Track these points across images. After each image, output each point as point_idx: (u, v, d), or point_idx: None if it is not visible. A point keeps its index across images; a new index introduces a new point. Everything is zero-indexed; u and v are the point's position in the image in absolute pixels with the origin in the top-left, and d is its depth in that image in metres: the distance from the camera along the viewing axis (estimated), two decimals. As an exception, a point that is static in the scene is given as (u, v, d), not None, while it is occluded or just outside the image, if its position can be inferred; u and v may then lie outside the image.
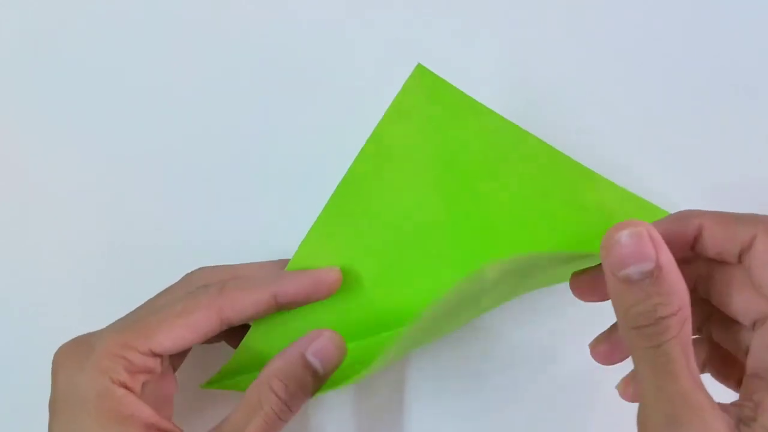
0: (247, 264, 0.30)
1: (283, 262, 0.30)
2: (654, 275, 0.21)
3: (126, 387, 0.25)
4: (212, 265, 0.30)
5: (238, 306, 0.27)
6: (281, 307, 0.28)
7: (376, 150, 0.29)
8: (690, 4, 0.36)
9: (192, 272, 0.30)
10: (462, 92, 0.29)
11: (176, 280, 0.29)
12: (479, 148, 0.30)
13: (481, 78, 0.36)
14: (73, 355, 0.25)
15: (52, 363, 0.26)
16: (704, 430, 0.20)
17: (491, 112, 0.30)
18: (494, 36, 0.36)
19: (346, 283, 0.29)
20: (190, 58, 0.36)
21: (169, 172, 0.35)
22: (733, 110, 0.36)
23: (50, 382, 0.26)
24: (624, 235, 0.22)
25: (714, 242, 0.24)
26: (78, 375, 0.25)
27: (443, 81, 0.29)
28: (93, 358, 0.25)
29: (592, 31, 0.37)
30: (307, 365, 0.26)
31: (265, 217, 0.35)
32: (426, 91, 0.29)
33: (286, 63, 0.36)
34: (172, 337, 0.26)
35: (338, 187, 0.29)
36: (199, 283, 0.28)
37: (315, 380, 0.27)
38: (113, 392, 0.25)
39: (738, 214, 0.24)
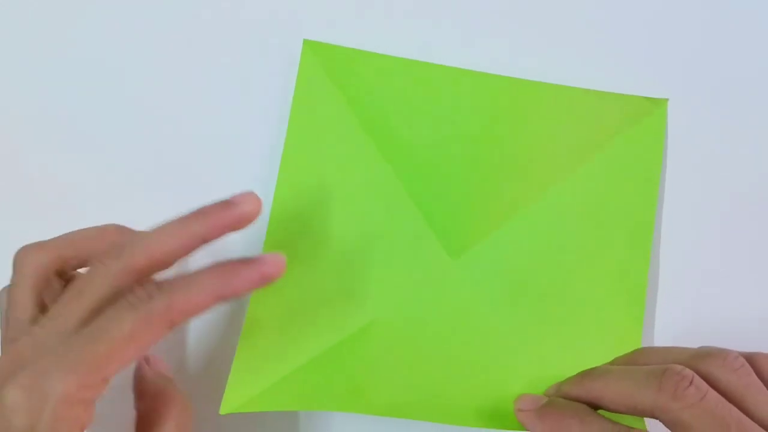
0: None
1: None
2: None
3: (83, 426, 0.24)
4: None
5: (186, 316, 0.25)
6: (226, 301, 0.26)
7: (300, 130, 0.32)
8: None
9: (18, 254, 0.28)
10: (354, 49, 0.33)
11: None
12: (390, 92, 0.33)
13: None
14: (28, 405, 0.23)
15: (3, 406, 0.23)
16: None
17: (387, 57, 0.33)
18: None
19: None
20: (188, 57, 0.35)
21: (167, 173, 0.34)
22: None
23: None
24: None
25: None
26: (39, 426, 0.23)
27: (333, 47, 0.33)
28: (51, 407, 0.23)
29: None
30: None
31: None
32: (322, 62, 0.33)
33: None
34: (124, 362, 0.24)
35: (281, 167, 0.32)
36: (29, 266, 0.27)
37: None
38: None
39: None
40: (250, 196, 0.27)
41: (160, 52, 0.35)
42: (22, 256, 0.27)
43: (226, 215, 0.26)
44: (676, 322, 0.32)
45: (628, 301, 0.32)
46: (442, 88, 0.33)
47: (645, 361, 0.28)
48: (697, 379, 0.24)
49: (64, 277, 0.28)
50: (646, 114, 0.33)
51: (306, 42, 0.33)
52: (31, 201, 0.34)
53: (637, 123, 0.33)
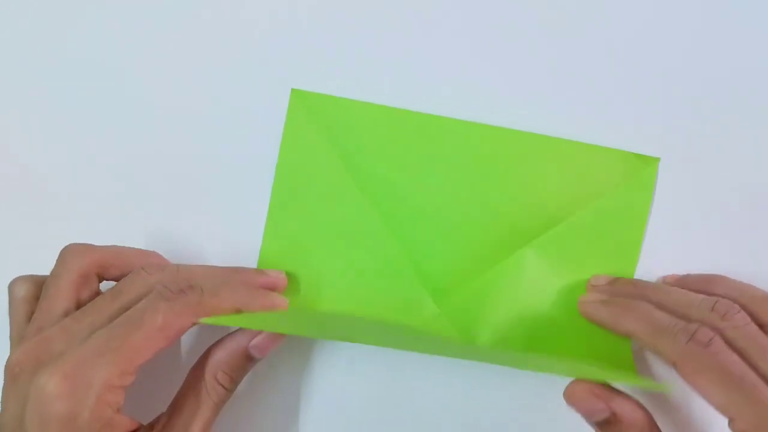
0: (126, 248, 0.31)
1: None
2: (611, 420, 0.27)
3: (119, 409, 0.26)
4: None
5: (210, 314, 0.28)
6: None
7: (287, 177, 0.33)
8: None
9: (65, 251, 0.30)
10: (341, 98, 0.33)
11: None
12: (378, 140, 0.33)
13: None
14: (72, 392, 0.25)
15: (43, 392, 0.25)
16: None
17: (374, 105, 0.33)
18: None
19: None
20: (189, 58, 0.35)
21: (168, 175, 0.35)
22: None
23: (31, 404, 0.25)
24: (580, 395, 0.28)
25: None
26: (82, 411, 0.25)
27: (320, 95, 0.33)
28: (95, 394, 0.25)
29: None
30: (249, 356, 0.29)
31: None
32: (309, 111, 0.33)
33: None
34: (155, 350, 0.26)
35: (268, 213, 0.34)
36: (74, 262, 0.29)
37: (250, 365, 0.30)
38: (114, 420, 0.26)
39: None
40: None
41: (161, 57, 0.35)
42: (69, 252, 0.29)
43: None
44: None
45: (615, 350, 0.32)
46: (431, 136, 0.33)
47: (718, 285, 0.31)
48: (744, 313, 0.27)
49: (101, 282, 0.30)
50: (637, 171, 0.33)
51: (293, 91, 0.33)
52: (30, 201, 0.35)
53: (626, 179, 0.33)
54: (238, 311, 0.29)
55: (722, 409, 0.25)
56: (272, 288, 0.32)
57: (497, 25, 0.34)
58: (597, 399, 0.27)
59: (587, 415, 0.28)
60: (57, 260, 0.29)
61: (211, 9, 0.34)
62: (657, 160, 0.33)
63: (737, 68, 0.34)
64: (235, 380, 0.30)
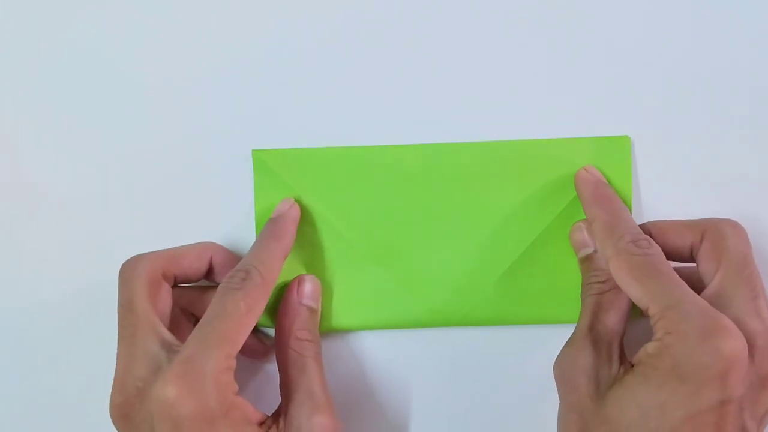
0: (180, 247, 0.33)
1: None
2: (591, 257, 0.32)
3: (236, 393, 0.28)
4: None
5: (275, 279, 0.31)
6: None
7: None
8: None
9: (125, 266, 0.31)
10: (300, 149, 0.34)
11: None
12: (345, 181, 0.34)
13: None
14: (191, 387, 0.26)
15: (166, 402, 0.26)
16: (570, 356, 0.29)
17: (335, 149, 0.34)
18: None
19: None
20: (188, 58, 0.35)
21: (165, 173, 0.35)
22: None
23: (159, 416, 0.26)
24: (575, 228, 0.33)
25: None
26: (207, 400, 0.26)
27: (281, 150, 0.34)
28: (211, 379, 0.26)
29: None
30: (308, 308, 0.32)
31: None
32: (273, 168, 0.34)
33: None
34: (246, 335, 0.29)
35: None
36: (142, 274, 0.30)
37: (316, 316, 0.33)
38: (237, 402, 0.27)
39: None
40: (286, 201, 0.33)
41: (163, 50, 0.35)
42: (127, 268, 0.30)
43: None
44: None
45: None
46: (405, 166, 0.34)
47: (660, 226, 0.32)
48: (649, 240, 0.29)
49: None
50: (612, 153, 0.33)
51: (254, 152, 0.34)
52: (28, 203, 0.35)
53: (603, 163, 0.33)
54: (286, 256, 0.32)
55: (639, 300, 0.27)
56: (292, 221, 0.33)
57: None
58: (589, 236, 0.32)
59: (576, 249, 0.33)
60: (119, 283, 0.30)
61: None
62: (628, 139, 0.34)
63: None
64: (312, 331, 0.32)
